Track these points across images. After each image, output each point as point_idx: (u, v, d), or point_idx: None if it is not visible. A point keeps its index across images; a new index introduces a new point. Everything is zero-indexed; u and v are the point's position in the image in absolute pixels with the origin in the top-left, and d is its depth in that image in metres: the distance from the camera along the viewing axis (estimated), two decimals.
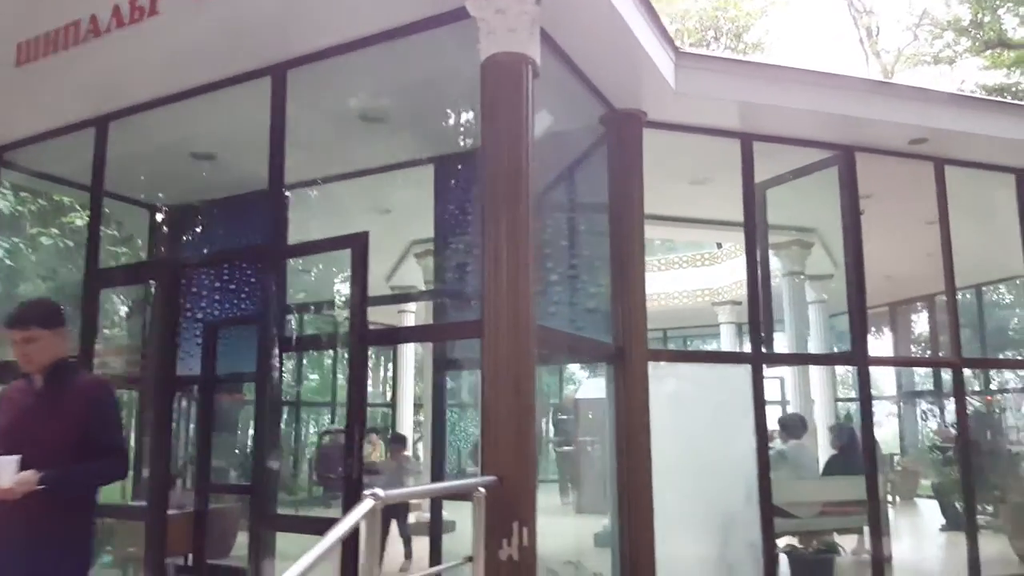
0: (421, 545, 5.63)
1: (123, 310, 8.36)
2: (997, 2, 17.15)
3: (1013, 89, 16.72)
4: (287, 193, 5.31)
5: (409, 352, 10.50)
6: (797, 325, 8.95)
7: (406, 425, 10.11)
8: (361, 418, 3.69)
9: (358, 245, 3.73)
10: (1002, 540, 6.38)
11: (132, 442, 6.47)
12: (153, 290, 5.41)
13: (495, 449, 3.39)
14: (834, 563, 5.31)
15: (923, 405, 12.79)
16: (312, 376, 16.11)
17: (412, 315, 9.88)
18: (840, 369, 11.42)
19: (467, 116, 4.94)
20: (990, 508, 6.84)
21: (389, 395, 12.27)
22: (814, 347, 9.99)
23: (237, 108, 4.79)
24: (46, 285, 8.75)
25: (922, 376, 13.56)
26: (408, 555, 6.05)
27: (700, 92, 4.88)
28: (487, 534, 3.13)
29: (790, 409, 8.73)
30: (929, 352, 12.94)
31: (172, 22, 3.96)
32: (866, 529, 5.29)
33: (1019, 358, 12.79)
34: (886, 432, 13.94)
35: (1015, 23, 17.48)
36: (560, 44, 4.16)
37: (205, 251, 5.86)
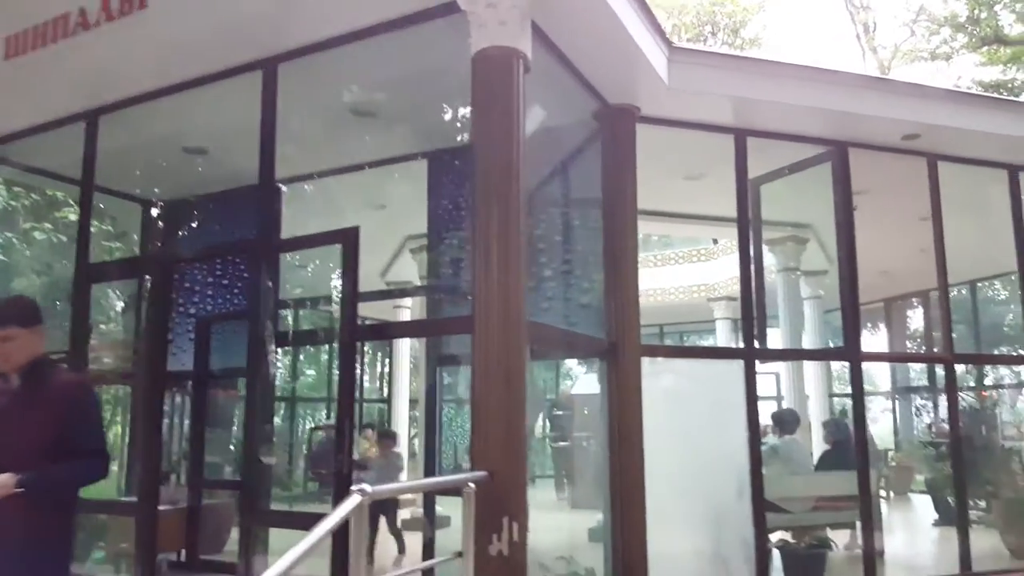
0: (416, 540, 5.63)
1: (119, 305, 8.35)
2: None
3: (1009, 85, 16.73)
4: (283, 188, 5.32)
5: (405, 348, 10.49)
6: (792, 321, 8.96)
7: (402, 421, 10.10)
8: (351, 413, 3.67)
9: (349, 240, 3.72)
10: (994, 535, 6.40)
11: (125, 438, 6.46)
12: (145, 285, 5.41)
13: (485, 444, 3.39)
14: (826, 558, 5.32)
15: (917, 401, 12.82)
16: (309, 372, 16.10)
17: (408, 311, 9.86)
18: (836, 365, 11.43)
19: (460, 111, 4.92)
20: (982, 503, 6.86)
21: (387, 391, 12.26)
22: (809, 343, 10.00)
23: (229, 103, 4.78)
24: (40, 280, 8.73)
25: (918, 372, 13.59)
26: (401, 550, 6.05)
27: (693, 87, 4.86)
28: (477, 529, 3.13)
29: (785, 405, 8.74)
30: (924, 348, 12.98)
31: (160, 16, 3.94)
32: (859, 524, 5.30)
33: (1013, 354, 12.78)
34: (881, 428, 13.98)
35: (1011, 19, 17.48)
36: (552, 38, 4.14)
37: (198, 246, 5.84)
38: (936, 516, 7.73)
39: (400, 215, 7.15)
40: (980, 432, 8.21)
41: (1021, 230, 6.21)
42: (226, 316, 5.56)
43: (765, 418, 7.09)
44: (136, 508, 4.19)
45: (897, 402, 12.97)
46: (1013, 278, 6.71)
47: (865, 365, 5.77)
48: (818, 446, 7.92)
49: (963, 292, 11.63)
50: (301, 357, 13.46)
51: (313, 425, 11.76)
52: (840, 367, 12.05)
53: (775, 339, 8.84)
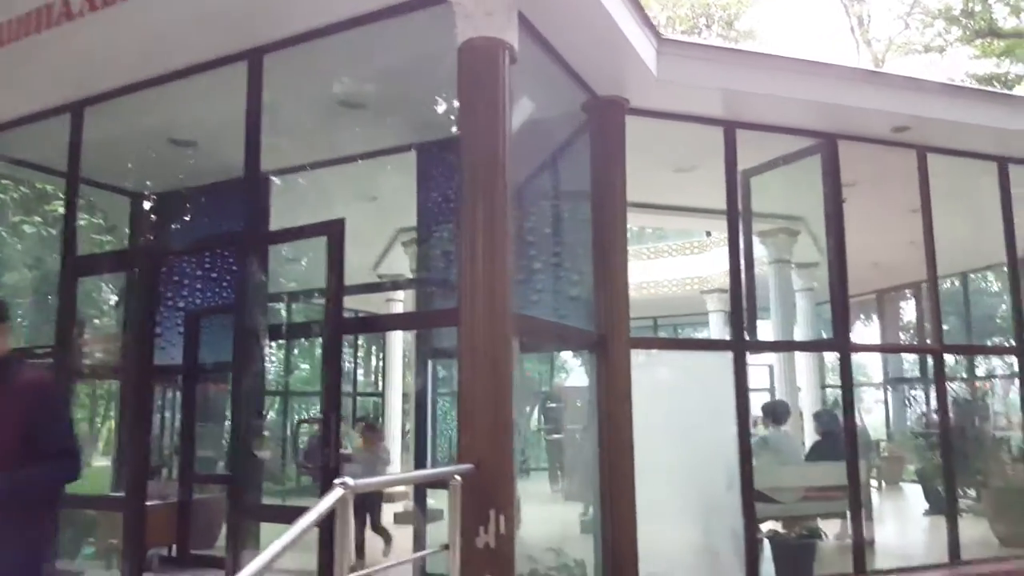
0: (406, 534, 5.63)
1: (112, 299, 8.32)
2: None
3: (1003, 78, 16.74)
4: (276, 180, 5.30)
5: (398, 341, 10.48)
6: (783, 313, 8.97)
7: (395, 414, 10.11)
8: (337, 407, 3.66)
9: (334, 232, 3.70)
10: (984, 524, 6.44)
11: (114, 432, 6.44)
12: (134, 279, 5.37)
13: (472, 437, 3.39)
14: (816, 548, 5.34)
15: (908, 391, 12.87)
16: (303, 365, 16.08)
17: (400, 304, 9.85)
18: (829, 356, 11.47)
19: (449, 103, 4.90)
20: (973, 492, 6.90)
21: (381, 385, 12.24)
22: (801, 335, 10.02)
23: (216, 94, 4.74)
24: (31, 274, 8.69)
25: (911, 363, 13.65)
26: (387, 541, 6.03)
27: (682, 79, 4.85)
28: (464, 522, 3.13)
29: (777, 396, 8.76)
30: (916, 339, 13.02)
31: (144, 5, 3.91)
32: (848, 514, 5.33)
33: (1005, 344, 12.83)
34: (875, 418, 14.04)
35: (1005, 12, 17.48)
36: (539, 29, 4.12)
37: (186, 239, 5.82)
38: (927, 506, 7.77)
39: (392, 207, 7.13)
40: (971, 422, 8.24)
41: (1010, 222, 6.22)
42: (215, 310, 5.54)
43: (758, 410, 7.13)
44: (124, 503, 4.17)
45: (890, 393, 13.03)
46: (1005, 269, 6.73)
47: (859, 356, 5.80)
48: (810, 437, 7.95)
49: (955, 283, 11.66)
50: (295, 351, 13.44)
51: (299, 418, 11.74)
52: (833, 359, 12.09)
53: (767, 331, 8.87)
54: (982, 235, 7.00)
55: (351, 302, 7.19)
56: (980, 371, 11.69)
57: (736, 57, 5.32)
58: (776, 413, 6.53)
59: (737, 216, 5.40)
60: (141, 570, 4.12)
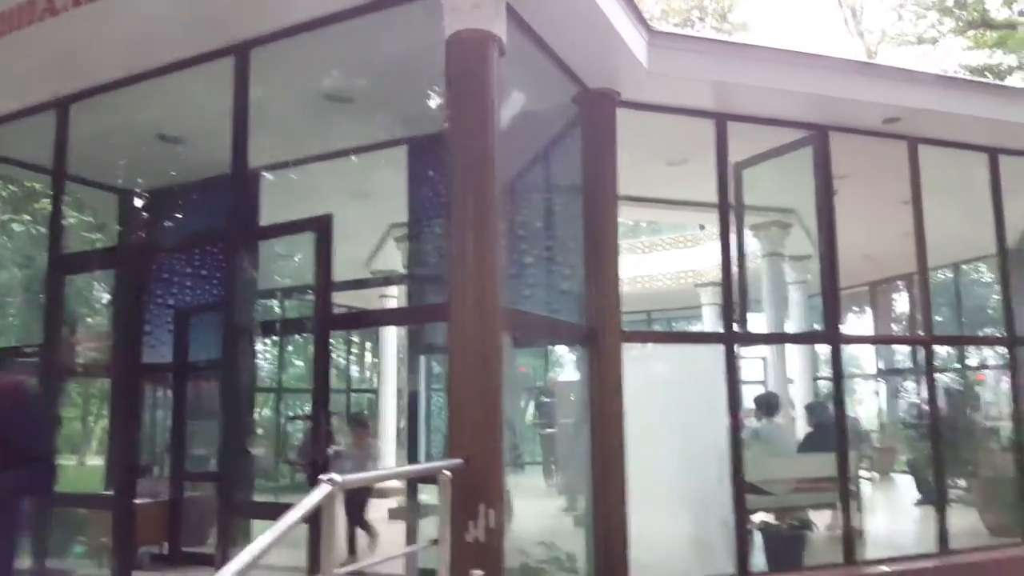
0: (400, 530, 5.62)
1: (105, 297, 8.28)
2: None
3: (996, 69, 16.75)
4: (268, 176, 5.27)
5: (392, 337, 10.47)
6: (776, 305, 8.99)
7: (389, 410, 10.10)
8: (326, 403, 3.66)
9: (322, 228, 3.68)
10: (974, 513, 6.47)
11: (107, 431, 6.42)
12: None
13: (462, 432, 3.39)
14: (806, 538, 5.36)
15: (903, 383, 12.92)
16: (298, 362, 16.05)
17: (394, 300, 9.83)
18: (822, 348, 11.50)
19: (439, 97, 4.87)
20: (963, 482, 6.93)
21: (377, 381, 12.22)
22: (794, 327, 10.05)
23: (203, 90, 4.72)
24: (21, 273, 8.65)
25: (904, 355, 13.69)
26: (372, 537, 6.00)
27: (673, 71, 4.84)
28: (453, 517, 3.13)
29: (769, 388, 8.78)
30: (909, 330, 13.06)
31: (128, 1, 3.87)
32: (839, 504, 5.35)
33: (991, 335, 12.89)
34: (867, 409, 14.09)
35: (998, 3, 17.49)
36: (528, 22, 4.10)
37: (175, 236, 5.79)
38: (918, 496, 7.81)
39: (384, 203, 7.10)
40: (963, 412, 8.27)
41: (1000, 213, 6.23)
42: (206, 307, 5.52)
43: (752, 402, 7.14)
44: (112, 501, 4.15)
45: (882, 384, 13.08)
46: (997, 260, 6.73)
47: (852, 348, 5.82)
48: (802, 429, 7.97)
49: (947, 275, 11.70)
50: (289, 348, 13.41)
51: (290, 415, 11.71)
52: (825, 350, 12.13)
53: (760, 324, 8.89)
54: (974, 226, 7.02)
55: (345, 298, 7.18)
56: (973, 362, 11.74)
57: (727, 49, 5.31)
58: (768, 405, 6.55)
59: (728, 209, 5.40)
60: (131, 568, 4.10)
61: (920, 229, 5.86)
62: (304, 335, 7.88)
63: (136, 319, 4.61)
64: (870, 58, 16.99)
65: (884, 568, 5.24)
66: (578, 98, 4.91)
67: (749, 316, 6.05)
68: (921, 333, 6.17)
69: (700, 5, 21.59)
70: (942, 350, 9.92)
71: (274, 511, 4.09)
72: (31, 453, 2.56)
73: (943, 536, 5.49)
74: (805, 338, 9.59)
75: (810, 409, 7.44)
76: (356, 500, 5.72)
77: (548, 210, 5.26)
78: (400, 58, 4.42)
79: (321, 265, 3.72)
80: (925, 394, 6.29)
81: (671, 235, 13.71)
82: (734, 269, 5.39)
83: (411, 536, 4.84)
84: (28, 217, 8.40)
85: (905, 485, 8.83)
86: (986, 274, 14.38)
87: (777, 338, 8.98)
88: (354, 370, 14.29)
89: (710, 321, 12.80)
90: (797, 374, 10.08)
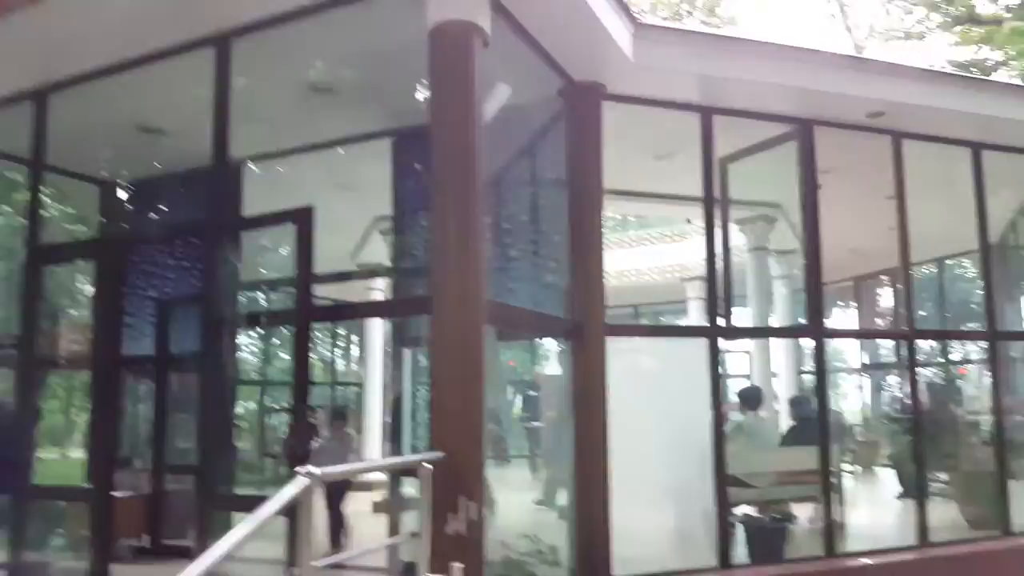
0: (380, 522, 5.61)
1: (89, 289, 8.18)
2: None
3: (982, 65, 16.84)
4: (254, 168, 5.22)
5: (378, 331, 10.43)
6: (761, 300, 9.02)
7: (375, 404, 10.07)
8: (305, 396, 3.64)
9: (302, 220, 3.65)
10: (955, 507, 6.53)
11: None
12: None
13: (443, 424, 3.38)
14: (787, 531, 5.40)
15: (886, 377, 13.02)
16: (284, 355, 15.98)
17: (381, 293, 9.79)
18: (809, 343, 11.56)
19: (424, 89, 4.84)
20: (944, 476, 6.99)
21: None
22: (779, 321, 10.09)
23: (184, 80, 4.66)
24: (2, 265, 8.53)
25: (889, 349, 13.79)
26: (345, 529, 5.98)
27: (659, 64, 4.82)
28: (434, 509, 3.13)
29: (753, 382, 8.82)
30: (893, 325, 13.15)
31: None
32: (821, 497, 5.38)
33: (973, 330, 13.01)
34: (851, 404, 14.19)
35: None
36: (513, 13, 4.07)
37: (156, 227, 5.73)
38: (900, 489, 7.88)
39: (370, 196, 7.06)
40: (944, 407, 8.35)
41: (983, 208, 6.27)
42: (188, 299, 5.47)
43: (736, 396, 7.17)
44: (90, 494, 4.12)
45: (866, 379, 13.18)
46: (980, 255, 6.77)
47: (837, 343, 5.85)
48: (787, 423, 8.02)
49: (932, 270, 11.78)
50: (275, 340, 13.34)
51: (271, 408, 11.67)
52: (811, 344, 12.19)
53: (745, 318, 8.93)
54: (958, 222, 7.07)
55: (332, 291, 7.14)
56: (956, 357, 11.84)
57: (712, 42, 5.31)
58: (751, 399, 6.58)
59: (713, 203, 5.40)
60: (108, 561, 4.07)
61: (904, 224, 5.89)
62: (288, 327, 7.83)
63: (116, 311, 4.56)
64: (858, 53, 17.03)
65: (864, 560, 5.28)
66: (563, 91, 4.89)
67: (734, 310, 6.07)
68: (904, 328, 6.20)
69: None
70: (926, 345, 10.02)
71: (253, 504, 4.09)
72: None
73: (923, 529, 5.54)
74: (788, 332, 9.63)
75: (793, 403, 7.49)
76: (335, 493, 5.71)
77: (533, 204, 5.24)
78: (384, 49, 4.38)
79: (302, 257, 3.70)
80: (908, 388, 6.33)
81: (658, 230, 13.72)
82: (719, 263, 5.40)
83: (394, 529, 4.84)
84: (8, 208, 8.28)
85: (887, 479, 8.91)
86: (970, 269, 14.49)
87: (761, 332, 9.02)
88: (340, 364, 14.25)
89: (696, 315, 12.85)
90: (782, 368, 10.14)
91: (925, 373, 8.59)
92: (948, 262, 12.16)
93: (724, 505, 4.99)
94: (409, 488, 5.09)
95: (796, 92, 5.27)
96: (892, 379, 12.90)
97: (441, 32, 3.55)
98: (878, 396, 13.03)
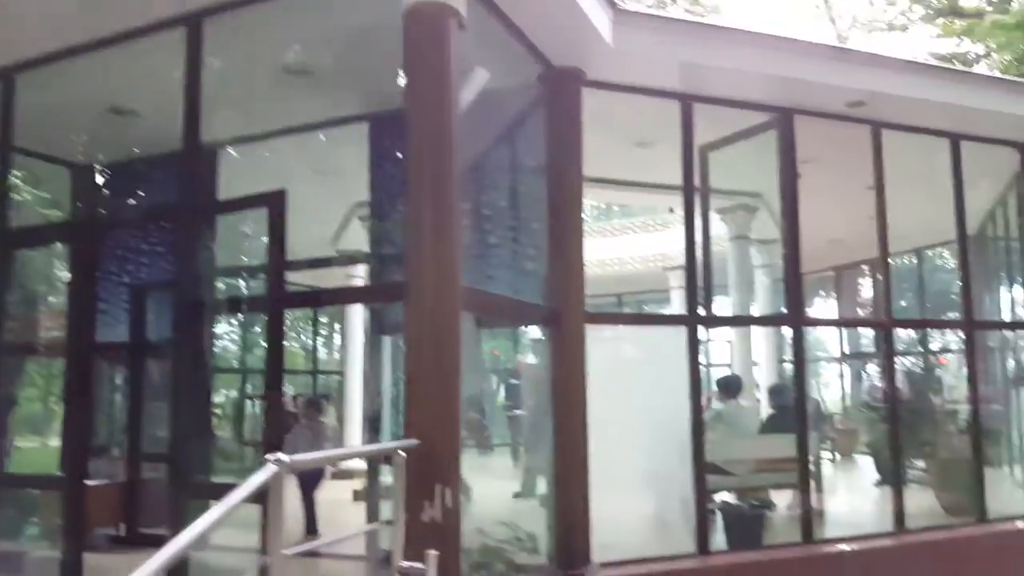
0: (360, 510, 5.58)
1: (67, 275, 8.04)
2: None
3: (964, 58, 16.94)
4: (227, 150, 5.12)
5: (359, 318, 10.36)
6: (742, 289, 9.05)
7: (356, 391, 10.01)
8: (279, 384, 3.59)
9: (274, 204, 3.59)
10: (931, 494, 6.61)
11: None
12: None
13: (418, 412, 3.35)
14: (765, 518, 5.44)
15: (866, 366, 13.13)
16: (265, 343, 15.86)
17: (361, 280, 9.72)
18: (788, 331, 11.63)
19: (401, 72, 4.77)
20: (921, 464, 7.07)
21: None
22: (760, 310, 10.13)
23: (156, 61, 4.55)
24: None
25: (870, 338, 13.90)
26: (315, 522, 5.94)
27: (638, 50, 4.79)
28: (409, 497, 3.10)
29: (734, 371, 8.87)
30: (874, 315, 13.26)
31: None
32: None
33: (949, 319, 13.16)
34: (833, 392, 14.33)
35: None
36: None
37: (128, 211, 5.63)
38: (878, 477, 7.96)
39: (349, 181, 6.98)
40: (923, 395, 8.43)
41: (961, 199, 6.31)
42: (162, 285, 5.39)
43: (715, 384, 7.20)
44: (62, 482, 4.05)
45: (847, 367, 13.30)
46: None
47: (818, 332, 5.88)
48: (767, 411, 8.07)
49: (913, 260, 11.88)
50: (257, 328, 13.23)
51: (249, 396, 11.58)
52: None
53: (726, 307, 8.95)
54: (938, 212, 7.11)
55: (310, 278, 7.07)
56: (936, 347, 11.97)
57: (692, 29, 5.28)
58: (730, 387, 6.62)
59: (693, 191, 5.38)
60: (82, 549, 4.02)
61: (882, 213, 5.92)
62: (250, 314, 7.73)
63: (89, 296, 4.48)
64: (841, 44, 17.07)
65: (842, 547, 5.34)
66: (543, 76, 4.85)
67: (716, 300, 6.08)
68: (882, 317, 6.24)
69: None
70: (907, 335, 10.11)
71: (223, 492, 4.04)
72: None
73: (900, 516, 5.60)
74: (768, 320, 9.69)
75: (772, 391, 7.53)
76: (309, 482, 5.68)
77: (513, 191, 5.20)
78: (361, 30, 4.31)
79: (274, 242, 3.63)
80: (886, 377, 6.39)
81: (641, 219, 13.72)
82: (699, 252, 5.39)
83: (372, 517, 4.82)
84: None
85: (866, 466, 9.00)
86: (950, 260, 14.63)
87: (740, 320, 9.05)
88: (323, 352, 14.16)
89: (679, 305, 12.88)
90: (763, 357, 10.20)
91: (905, 362, 8.66)
92: (928, 252, 12.27)
93: (703, 492, 5.01)
94: (389, 476, 5.07)
95: (776, 81, 5.26)
96: (872, 368, 13.02)
97: (416, 13, 3.49)
98: (858, 385, 13.16)
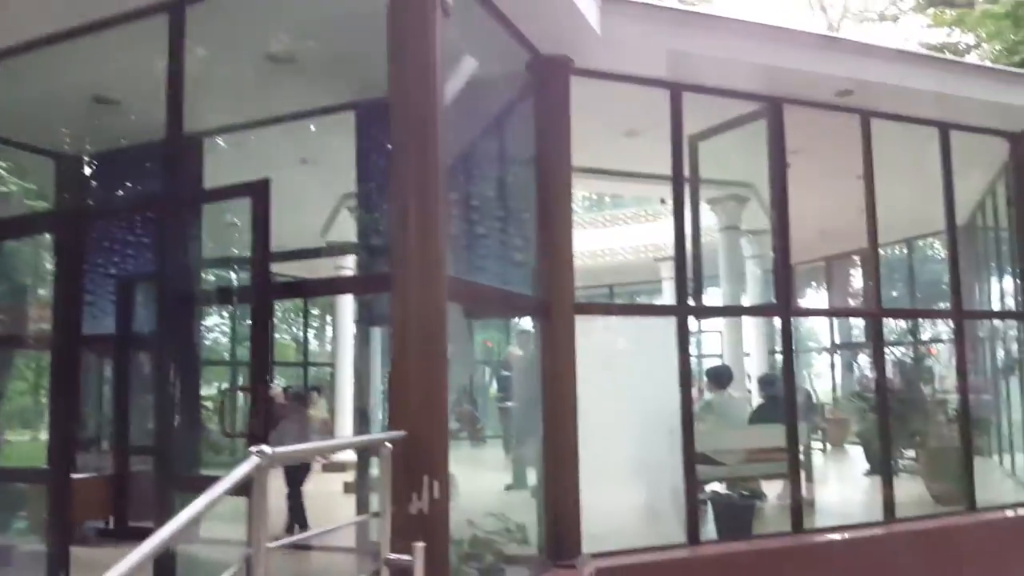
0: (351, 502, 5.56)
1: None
2: None
3: (954, 48, 16.95)
4: (214, 139, 5.06)
5: (349, 310, 10.31)
6: (733, 279, 9.05)
7: (347, 383, 9.99)
8: (264, 376, 3.56)
9: (258, 194, 3.54)
10: (921, 483, 6.65)
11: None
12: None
13: (405, 403, 3.32)
14: (755, 508, 5.46)
15: (857, 356, 13.18)
16: None
17: (350, 271, 9.66)
18: (779, 322, 11.65)
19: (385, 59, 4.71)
20: (911, 453, 7.11)
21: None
22: (751, 301, 10.13)
23: (139, 50, 4.49)
24: None
25: (861, 329, 13.95)
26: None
27: (627, 39, 4.76)
28: (396, 489, 3.08)
29: (725, 361, 8.88)
30: (864, 305, 13.30)
31: None
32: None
33: (939, 309, 13.21)
34: (824, 382, 14.38)
35: None
36: None
37: (112, 201, 5.57)
38: (868, 466, 8.00)
39: (337, 171, 6.92)
40: (913, 385, 8.46)
41: (950, 189, 6.31)
42: (148, 276, 5.34)
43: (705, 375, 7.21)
44: (49, 475, 4.02)
45: (837, 357, 13.34)
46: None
47: (810, 322, 5.88)
48: (757, 401, 8.08)
49: (903, 251, 11.91)
50: (248, 321, 13.18)
51: (227, 387, 11.52)
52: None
53: (717, 298, 8.95)
54: (928, 202, 7.12)
55: (300, 269, 7.03)
56: (927, 336, 12.01)
57: (681, 17, 5.24)
58: (719, 377, 6.62)
59: (682, 181, 5.36)
60: (68, 543, 3.99)
61: (871, 203, 5.91)
62: (235, 305, 7.68)
63: (75, 287, 4.42)
64: (832, 33, 17.07)
65: (832, 536, 5.36)
66: (531, 65, 4.81)
67: (707, 290, 6.07)
68: (872, 307, 6.25)
69: None
70: (897, 325, 10.13)
71: (208, 484, 4.02)
72: None
73: (890, 505, 5.63)
74: (757, 311, 9.70)
75: (762, 381, 7.55)
76: (294, 475, 5.65)
77: (501, 180, 5.16)
78: (346, 17, 4.26)
79: (258, 232, 3.59)
80: (876, 367, 6.41)
81: (633, 209, 13.70)
82: (688, 242, 5.38)
83: (363, 509, 4.80)
84: None
85: (856, 456, 9.05)
86: (940, 250, 14.68)
87: (729, 311, 9.06)
88: (314, 344, 14.12)
89: (670, 295, 12.86)
90: (753, 347, 10.21)
91: (895, 352, 8.68)
92: (918, 243, 12.31)
93: (693, 483, 5.01)
94: (375, 469, 5.06)
95: (765, 70, 5.24)
96: (863, 358, 13.07)
97: (400, 0, 3.44)
98: (849, 375, 13.21)
